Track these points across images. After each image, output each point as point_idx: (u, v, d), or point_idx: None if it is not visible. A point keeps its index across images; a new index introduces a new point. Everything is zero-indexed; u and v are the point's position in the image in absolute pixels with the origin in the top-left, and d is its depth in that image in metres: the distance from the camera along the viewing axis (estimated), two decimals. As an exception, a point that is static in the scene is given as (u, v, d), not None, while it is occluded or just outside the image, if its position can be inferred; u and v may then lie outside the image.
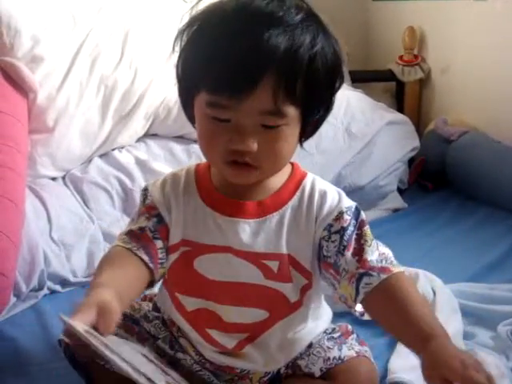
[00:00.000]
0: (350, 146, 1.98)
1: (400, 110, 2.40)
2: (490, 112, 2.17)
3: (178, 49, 0.98)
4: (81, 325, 0.78)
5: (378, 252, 0.99)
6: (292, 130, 0.94)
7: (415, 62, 2.43)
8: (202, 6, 0.98)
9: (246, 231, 1.00)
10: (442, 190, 2.14)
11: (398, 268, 0.98)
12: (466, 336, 1.27)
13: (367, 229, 1.02)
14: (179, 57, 0.98)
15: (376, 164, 2.00)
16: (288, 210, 1.01)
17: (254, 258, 1.00)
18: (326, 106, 0.98)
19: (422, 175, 2.20)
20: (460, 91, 2.30)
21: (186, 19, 0.98)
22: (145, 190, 1.07)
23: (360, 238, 1.00)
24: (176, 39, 0.97)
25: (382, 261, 0.98)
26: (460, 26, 2.24)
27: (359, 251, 0.99)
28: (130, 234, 1.01)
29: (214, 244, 1.01)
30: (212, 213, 1.02)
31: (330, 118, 1.98)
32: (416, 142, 2.13)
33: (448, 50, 2.34)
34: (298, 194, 1.02)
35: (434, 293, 1.36)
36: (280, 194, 1.02)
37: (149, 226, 1.02)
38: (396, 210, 2.03)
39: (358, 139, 1.99)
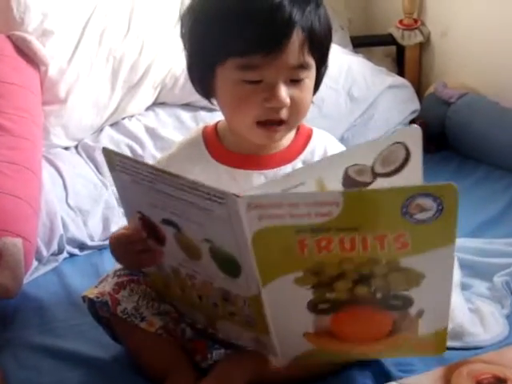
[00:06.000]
0: (351, 110, 2.01)
1: (400, 73, 2.41)
2: (489, 74, 2.18)
3: (186, 23, 1.02)
4: None
5: None
6: (312, 81, 1.03)
7: (415, 25, 2.43)
8: None
9: (261, 181, 1.05)
10: (442, 151, 2.15)
11: None
12: (464, 287, 1.31)
13: None
14: (191, 32, 1.02)
15: (377, 127, 2.03)
16: (299, 164, 1.08)
17: None
18: (328, 57, 1.06)
19: (423, 137, 2.24)
20: (459, 54, 2.31)
21: None
22: None
23: None
24: (185, 14, 1.02)
25: None
26: (459, -12, 2.27)
27: None
28: None
29: None
30: (226, 168, 1.07)
31: (332, 83, 2.05)
32: (416, 105, 2.16)
33: (447, 14, 2.35)
34: (308, 149, 1.10)
35: (434, 247, 1.41)
36: (290, 148, 1.10)
37: None
38: (397, 171, 2.08)
39: (359, 103, 2.02)
